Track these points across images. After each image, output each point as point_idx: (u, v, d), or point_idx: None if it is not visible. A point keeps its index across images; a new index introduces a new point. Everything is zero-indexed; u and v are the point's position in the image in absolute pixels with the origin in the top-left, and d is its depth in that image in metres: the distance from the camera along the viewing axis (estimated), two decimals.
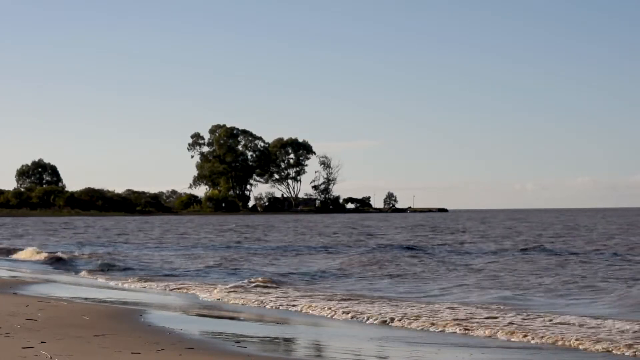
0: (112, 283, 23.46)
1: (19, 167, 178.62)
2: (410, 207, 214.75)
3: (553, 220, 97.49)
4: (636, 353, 11.46)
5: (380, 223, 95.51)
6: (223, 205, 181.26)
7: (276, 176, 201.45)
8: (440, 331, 13.94)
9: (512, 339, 12.95)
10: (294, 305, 17.43)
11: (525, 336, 12.99)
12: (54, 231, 68.39)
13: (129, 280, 23.86)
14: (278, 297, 19.00)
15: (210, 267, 28.70)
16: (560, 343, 12.43)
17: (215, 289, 20.74)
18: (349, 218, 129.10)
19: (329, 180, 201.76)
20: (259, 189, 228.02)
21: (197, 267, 28.78)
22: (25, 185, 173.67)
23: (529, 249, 36.79)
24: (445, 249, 37.83)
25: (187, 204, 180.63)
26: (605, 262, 28.46)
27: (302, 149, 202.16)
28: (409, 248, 38.82)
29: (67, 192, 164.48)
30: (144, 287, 22.23)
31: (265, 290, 20.43)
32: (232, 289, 20.47)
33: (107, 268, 28.87)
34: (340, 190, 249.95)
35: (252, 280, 22.36)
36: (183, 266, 29.50)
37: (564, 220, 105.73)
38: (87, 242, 49.10)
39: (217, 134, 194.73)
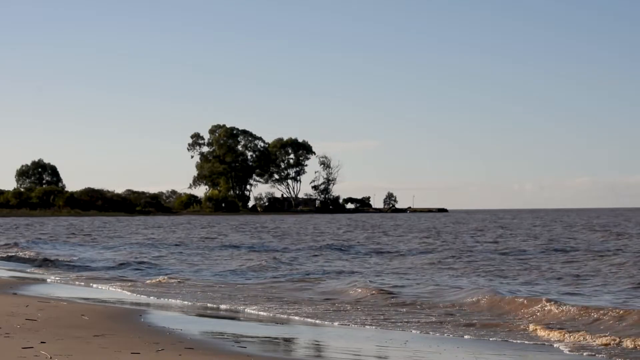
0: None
1: (18, 167, 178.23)
2: (410, 207, 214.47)
3: (537, 221, 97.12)
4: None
5: (362, 223, 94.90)
6: (223, 205, 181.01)
7: (276, 176, 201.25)
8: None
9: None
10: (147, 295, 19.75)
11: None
12: (38, 231, 67.74)
13: (40, 270, 27.44)
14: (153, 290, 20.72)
15: (128, 264, 29.61)
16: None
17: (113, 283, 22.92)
18: (337, 219, 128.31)
19: (328, 181, 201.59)
20: (259, 189, 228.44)
21: (121, 265, 29.87)
22: (25, 186, 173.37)
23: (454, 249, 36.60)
24: (368, 248, 38.30)
25: (186, 204, 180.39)
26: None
27: (302, 149, 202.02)
28: (336, 248, 39.32)
29: (67, 192, 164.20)
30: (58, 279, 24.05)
31: (162, 283, 22.67)
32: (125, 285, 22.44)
33: (43, 264, 30.69)
34: (340, 190, 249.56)
35: (149, 280, 23.90)
36: (108, 263, 30.78)
37: (551, 220, 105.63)
38: (43, 241, 48.27)
39: (217, 134, 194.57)
